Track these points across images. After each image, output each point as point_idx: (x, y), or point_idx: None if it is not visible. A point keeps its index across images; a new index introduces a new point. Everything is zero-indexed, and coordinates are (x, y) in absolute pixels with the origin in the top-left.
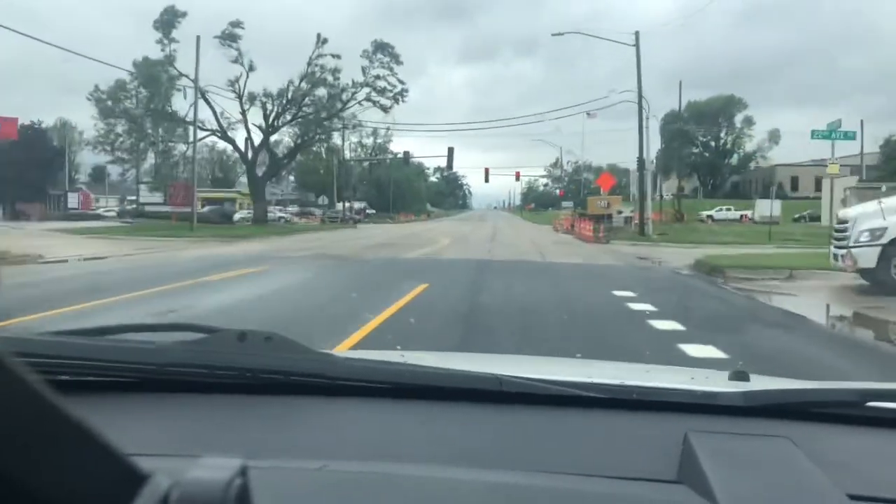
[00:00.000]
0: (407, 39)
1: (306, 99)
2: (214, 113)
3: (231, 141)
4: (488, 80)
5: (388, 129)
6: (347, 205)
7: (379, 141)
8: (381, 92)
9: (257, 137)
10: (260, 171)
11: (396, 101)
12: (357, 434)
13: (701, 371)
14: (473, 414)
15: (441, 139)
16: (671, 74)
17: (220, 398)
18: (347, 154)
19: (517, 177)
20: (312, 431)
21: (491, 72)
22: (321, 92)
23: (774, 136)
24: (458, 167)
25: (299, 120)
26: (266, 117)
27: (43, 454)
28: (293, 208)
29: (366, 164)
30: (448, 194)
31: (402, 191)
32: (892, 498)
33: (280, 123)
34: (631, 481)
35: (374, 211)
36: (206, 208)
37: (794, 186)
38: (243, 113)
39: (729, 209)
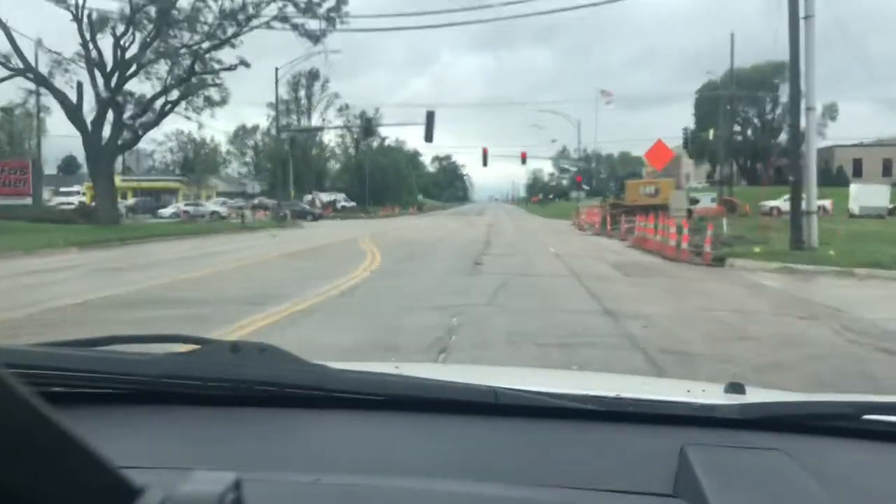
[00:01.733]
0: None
1: (174, 15)
2: (10, 38)
3: (53, 88)
4: (498, 69)
5: (377, 109)
6: (309, 197)
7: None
8: (305, 8)
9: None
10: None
11: (331, 21)
12: (351, 447)
13: (697, 383)
14: (469, 426)
15: (441, 127)
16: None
17: (214, 410)
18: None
19: (523, 158)
20: (306, 444)
21: (502, 61)
22: (206, 12)
23: (831, 111)
24: (457, 156)
25: (160, 50)
26: (97, 47)
27: (35, 467)
28: (257, 201)
29: (350, 150)
30: (446, 185)
31: (387, 180)
32: None
33: (138, 61)
34: (627, 495)
35: (352, 203)
36: (134, 200)
37: (858, 171)
38: (84, 45)
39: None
